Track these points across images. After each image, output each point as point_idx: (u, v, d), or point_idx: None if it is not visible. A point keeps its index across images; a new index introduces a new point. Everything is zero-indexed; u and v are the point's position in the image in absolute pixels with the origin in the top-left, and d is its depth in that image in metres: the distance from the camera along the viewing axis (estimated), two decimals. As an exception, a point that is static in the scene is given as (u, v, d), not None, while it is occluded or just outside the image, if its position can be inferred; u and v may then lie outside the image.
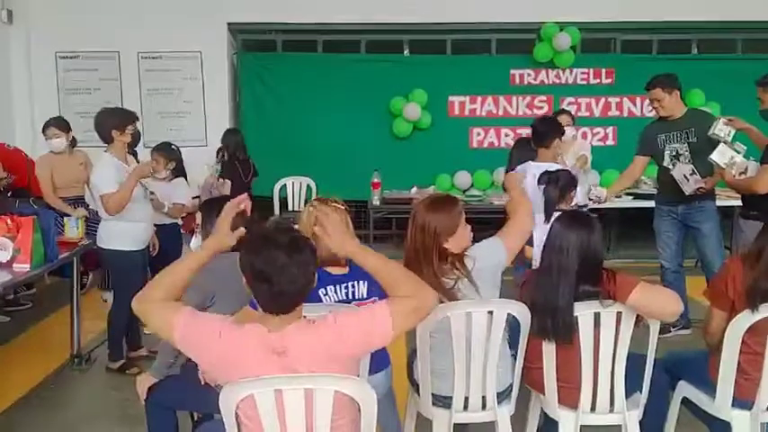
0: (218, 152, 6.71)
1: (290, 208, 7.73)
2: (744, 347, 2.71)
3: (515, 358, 2.87)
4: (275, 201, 7.55)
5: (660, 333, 4.85)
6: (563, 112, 6.08)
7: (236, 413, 1.99)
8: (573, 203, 4.34)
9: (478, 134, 8.22)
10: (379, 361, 2.89)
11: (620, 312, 2.68)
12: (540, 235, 4.31)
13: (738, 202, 4.83)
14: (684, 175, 4.59)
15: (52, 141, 5.33)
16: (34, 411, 3.90)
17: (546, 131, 4.50)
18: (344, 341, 1.95)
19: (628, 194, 7.30)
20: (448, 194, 3.10)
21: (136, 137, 4.55)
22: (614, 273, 2.77)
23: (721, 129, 4.45)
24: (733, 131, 4.45)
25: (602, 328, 2.69)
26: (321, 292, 2.67)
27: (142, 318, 2.15)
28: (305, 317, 2.04)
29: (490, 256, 2.83)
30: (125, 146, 4.40)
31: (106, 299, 5.51)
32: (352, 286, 2.77)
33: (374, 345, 2.03)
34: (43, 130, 5.38)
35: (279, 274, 1.89)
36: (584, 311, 2.67)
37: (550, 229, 2.86)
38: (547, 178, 4.28)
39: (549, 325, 2.73)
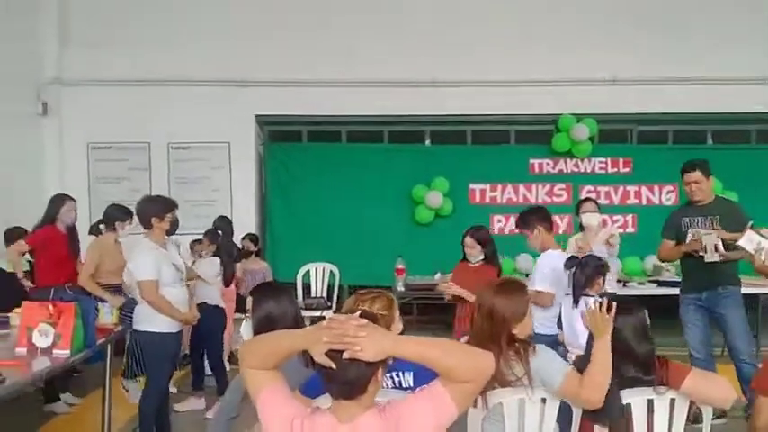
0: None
1: (312, 293, 7.75)
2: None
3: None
4: (299, 286, 7.59)
5: (694, 422, 4.83)
6: (587, 200, 6.19)
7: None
8: (602, 289, 4.38)
9: (499, 221, 8.33)
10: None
11: (674, 399, 2.67)
12: (569, 318, 4.38)
13: (765, 290, 4.85)
14: (715, 245, 4.62)
15: (125, 228, 5.47)
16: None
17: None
18: (413, 428, 1.95)
19: (651, 282, 7.32)
20: (515, 278, 3.11)
21: (174, 224, 4.66)
22: (667, 360, 2.78)
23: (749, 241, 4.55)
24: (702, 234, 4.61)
25: (657, 415, 2.68)
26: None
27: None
28: (377, 405, 2.03)
29: (547, 366, 2.75)
30: (164, 232, 4.50)
31: (128, 388, 5.48)
32: (397, 376, 2.77)
33: (442, 425, 2.02)
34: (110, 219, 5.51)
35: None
36: (637, 397, 2.67)
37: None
38: (574, 262, 4.34)
39: (599, 413, 2.72)
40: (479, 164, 8.26)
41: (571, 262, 4.61)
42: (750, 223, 4.61)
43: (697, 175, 4.84)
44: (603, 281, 4.42)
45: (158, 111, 8.05)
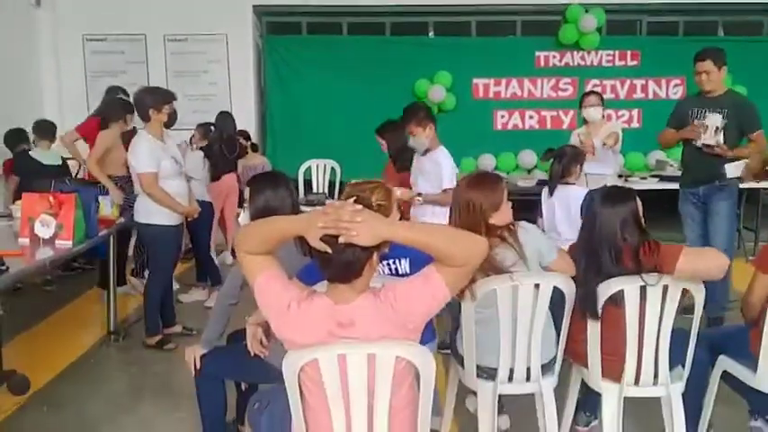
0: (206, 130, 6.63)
1: (314, 190, 7.76)
2: (787, 319, 2.73)
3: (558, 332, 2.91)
4: (300, 182, 7.60)
5: (687, 313, 4.93)
6: (591, 93, 6.07)
7: (299, 377, 2.04)
8: (580, 176, 4.51)
9: (503, 117, 8.22)
10: (426, 335, 2.93)
11: (666, 286, 2.70)
12: (548, 207, 4.49)
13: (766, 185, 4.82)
14: (717, 127, 4.56)
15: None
16: (79, 384, 3.98)
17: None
18: (408, 310, 1.98)
19: (653, 176, 7.30)
20: (487, 171, 3.12)
21: (172, 116, 4.60)
22: (658, 244, 2.79)
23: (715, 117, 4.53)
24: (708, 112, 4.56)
25: (648, 302, 2.72)
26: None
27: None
28: (371, 288, 2.06)
29: (540, 243, 2.84)
30: (161, 125, 4.45)
31: (135, 285, 5.57)
32: (394, 263, 2.81)
33: (435, 309, 2.06)
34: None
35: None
36: (629, 285, 2.70)
37: (588, 205, 2.90)
38: (552, 154, 4.44)
39: (583, 301, 2.78)
40: (483, 57, 8.05)
41: (548, 154, 4.63)
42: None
43: (708, 64, 4.66)
44: (581, 169, 4.49)
45: (153, 0, 7.80)
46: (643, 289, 2.70)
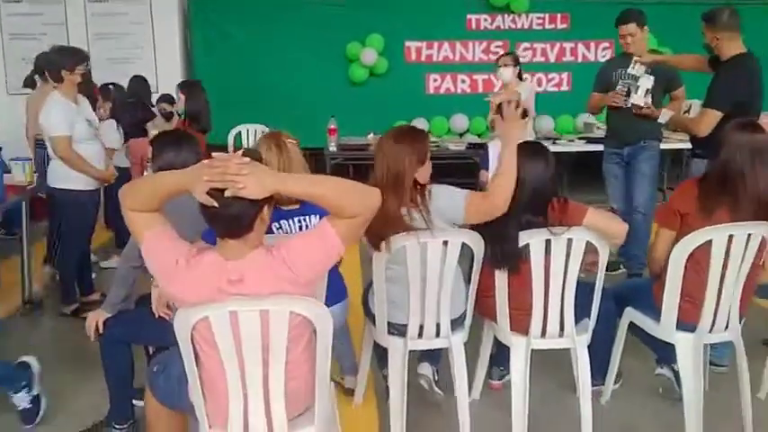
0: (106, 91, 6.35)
1: (245, 155, 7.63)
2: (687, 271, 2.80)
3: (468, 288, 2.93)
4: (230, 148, 7.44)
5: (611, 270, 5.03)
6: (506, 54, 6.09)
7: (193, 337, 2.00)
8: None
9: (435, 80, 8.21)
10: (337, 294, 2.92)
11: (571, 239, 2.74)
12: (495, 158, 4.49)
13: (688, 145, 4.93)
14: (647, 88, 4.62)
15: None
16: (-12, 356, 3.85)
17: None
18: (300, 264, 1.96)
19: (581, 138, 7.41)
20: (411, 125, 3.08)
21: (87, 77, 4.43)
22: (566, 200, 2.83)
23: (639, 68, 4.54)
24: (642, 69, 4.54)
25: (554, 256, 2.75)
26: (274, 226, 2.69)
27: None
28: (264, 245, 2.02)
29: (447, 203, 2.80)
30: (75, 86, 4.28)
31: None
32: (304, 220, 2.78)
33: (329, 263, 2.04)
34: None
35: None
36: (535, 239, 2.73)
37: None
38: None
39: (499, 253, 2.80)
40: (415, 20, 7.99)
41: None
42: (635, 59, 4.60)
43: (632, 27, 4.70)
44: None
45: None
46: (548, 243, 2.74)
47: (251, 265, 1.95)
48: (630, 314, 3.13)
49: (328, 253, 1.99)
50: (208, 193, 1.86)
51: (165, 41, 7.82)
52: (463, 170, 6.47)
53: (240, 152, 1.93)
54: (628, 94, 4.67)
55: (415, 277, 2.74)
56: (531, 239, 2.73)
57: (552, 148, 7.14)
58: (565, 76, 8.20)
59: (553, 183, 2.85)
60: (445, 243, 2.72)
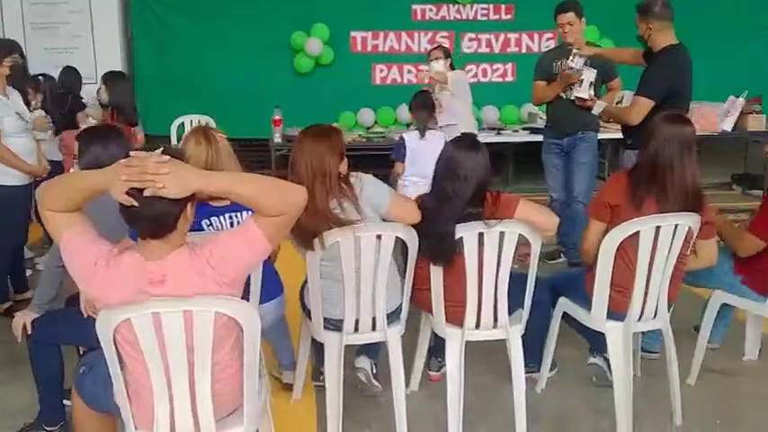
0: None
1: (189, 147, 7.50)
2: (616, 262, 2.86)
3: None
4: (173, 139, 7.32)
5: (550, 260, 5.10)
6: (437, 47, 6.13)
7: (116, 340, 1.96)
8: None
9: (381, 71, 8.19)
10: (272, 290, 2.91)
11: (503, 232, 2.77)
12: (421, 152, 4.54)
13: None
14: (591, 82, 4.68)
15: None
16: None
17: None
18: (224, 263, 1.93)
19: (525, 129, 7.50)
20: (327, 124, 3.07)
21: (17, 69, 4.29)
22: (499, 193, 2.87)
23: (578, 61, 4.63)
24: (581, 61, 4.63)
25: (486, 248, 2.78)
26: (204, 223, 2.66)
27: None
28: (188, 244, 1.99)
29: (374, 190, 2.81)
30: (3, 78, 4.15)
31: None
32: (236, 216, 2.75)
33: (254, 261, 2.02)
34: None
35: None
36: (468, 232, 2.75)
37: (442, 154, 2.92)
38: (417, 102, 4.72)
39: (437, 249, 2.81)
40: (360, 10, 7.95)
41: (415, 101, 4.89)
42: (575, 52, 4.67)
43: (570, 16, 4.79)
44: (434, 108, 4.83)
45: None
46: (481, 236, 2.76)
47: (173, 265, 1.92)
48: (564, 304, 3.19)
49: (253, 252, 1.97)
50: (127, 192, 1.82)
51: (104, 31, 7.63)
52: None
53: (160, 150, 1.89)
54: (570, 87, 4.75)
55: (349, 272, 2.74)
56: (465, 233, 2.75)
57: (497, 139, 7.32)
58: (509, 66, 8.27)
59: (488, 174, 2.88)
60: (379, 237, 2.73)
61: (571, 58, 4.64)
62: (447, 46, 7.95)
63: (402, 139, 4.67)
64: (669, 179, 2.81)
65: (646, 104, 4.00)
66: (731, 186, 7.89)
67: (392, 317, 2.91)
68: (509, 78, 8.27)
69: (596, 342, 3.20)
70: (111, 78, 5.09)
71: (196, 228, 2.54)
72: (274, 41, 7.75)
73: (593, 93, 4.67)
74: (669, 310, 3.04)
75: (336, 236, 2.68)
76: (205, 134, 2.78)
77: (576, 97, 4.69)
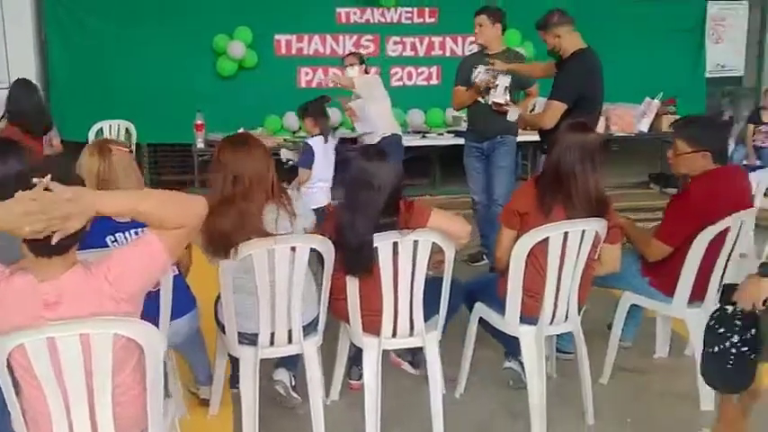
0: None
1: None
2: (527, 267, 2.92)
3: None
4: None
5: (474, 262, 5.17)
6: (351, 53, 6.18)
7: (11, 365, 1.88)
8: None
9: (307, 74, 8.13)
10: (183, 305, 2.86)
11: (417, 241, 2.79)
12: (319, 155, 4.60)
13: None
14: (506, 87, 4.79)
15: None
16: None
17: None
18: (122, 279, 1.88)
19: (450, 132, 7.59)
20: (243, 133, 3.07)
21: None
22: (412, 202, 2.89)
23: (482, 77, 4.76)
24: (499, 74, 4.75)
25: (401, 257, 2.80)
26: (109, 239, 2.59)
27: None
28: (82, 261, 1.93)
29: (305, 211, 2.90)
30: None
31: None
32: (141, 231, 2.68)
33: (155, 275, 1.99)
34: None
35: None
36: (383, 242, 2.76)
37: (350, 165, 2.92)
38: (314, 110, 4.75)
39: (356, 260, 2.81)
40: (284, 13, 7.84)
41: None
42: (480, 67, 4.81)
43: (482, 18, 4.94)
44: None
45: None
46: (395, 245, 2.77)
47: (68, 285, 1.85)
48: (480, 309, 3.24)
49: (154, 265, 1.93)
50: None
51: (16, 32, 7.29)
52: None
53: (48, 177, 1.80)
54: (487, 92, 4.84)
55: (263, 285, 2.71)
56: (380, 242, 2.76)
57: (422, 142, 7.36)
58: (434, 69, 8.33)
59: (400, 181, 2.90)
60: (293, 249, 2.71)
61: (486, 69, 4.75)
62: (372, 49, 8.08)
63: (308, 145, 4.65)
64: (573, 186, 2.89)
65: (558, 108, 4.12)
66: (649, 185, 8.16)
67: (309, 328, 2.90)
68: (434, 81, 8.34)
69: (511, 346, 3.27)
70: (14, 86, 4.90)
71: (100, 244, 2.48)
72: (196, 44, 7.59)
73: (509, 98, 4.77)
74: (580, 313, 3.12)
75: (249, 248, 2.65)
76: (100, 147, 2.74)
77: (493, 102, 4.78)
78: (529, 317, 3.01)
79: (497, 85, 4.79)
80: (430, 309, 2.96)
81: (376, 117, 5.38)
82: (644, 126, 7.71)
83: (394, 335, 2.92)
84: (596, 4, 8.12)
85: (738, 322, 2.37)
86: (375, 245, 2.75)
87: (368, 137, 5.47)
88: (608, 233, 2.97)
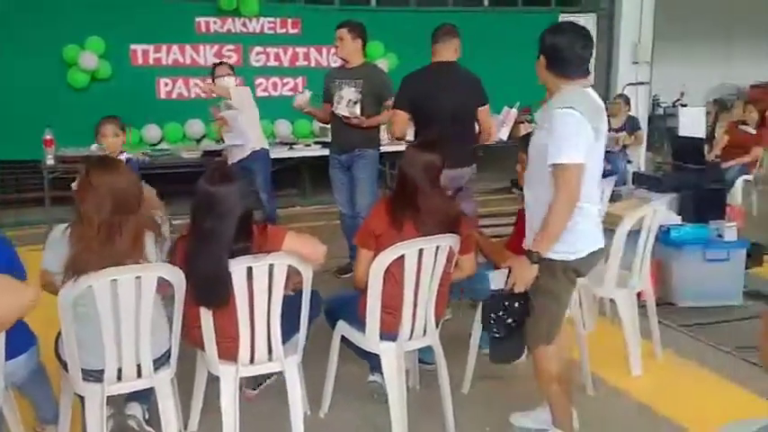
0: None
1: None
2: (385, 285, 2.94)
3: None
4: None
5: (342, 274, 5.16)
6: (220, 63, 6.10)
7: None
8: None
9: (166, 84, 7.85)
10: (21, 343, 2.67)
11: (273, 265, 2.73)
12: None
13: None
14: (350, 99, 4.84)
15: None
16: None
17: None
18: None
19: (317, 143, 7.56)
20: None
21: None
22: (265, 226, 2.83)
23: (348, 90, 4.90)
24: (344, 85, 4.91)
25: (256, 282, 2.73)
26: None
27: None
28: None
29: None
30: None
31: None
32: None
33: None
34: None
35: None
36: (236, 267, 2.68)
37: (197, 193, 2.81)
38: None
39: (209, 292, 2.71)
40: (140, 22, 7.53)
41: None
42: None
43: (343, 32, 5.01)
44: None
45: None
46: (250, 270, 2.71)
47: None
48: (341, 327, 3.22)
49: None
50: None
51: None
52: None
53: None
54: (337, 105, 4.91)
55: (107, 317, 2.56)
56: (234, 268, 2.68)
57: (290, 153, 7.30)
58: (299, 80, 8.28)
59: (250, 202, 2.84)
60: (138, 278, 2.58)
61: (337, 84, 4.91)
62: (235, 59, 7.91)
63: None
64: (422, 203, 2.97)
65: (398, 115, 4.37)
66: (511, 190, 8.49)
67: (160, 361, 2.77)
68: (300, 92, 8.27)
69: (374, 361, 3.27)
70: None
71: None
72: (44, 55, 7.14)
73: (356, 111, 4.85)
74: (438, 327, 3.18)
75: (88, 280, 2.49)
76: None
77: (341, 115, 4.85)
78: (389, 333, 3.03)
79: (341, 98, 4.86)
80: (289, 326, 2.90)
81: (248, 129, 5.31)
82: (503, 134, 7.94)
83: (252, 361, 2.85)
84: (454, 16, 8.38)
85: (506, 301, 2.73)
86: (229, 271, 2.67)
87: (237, 149, 5.37)
88: (462, 244, 3.04)
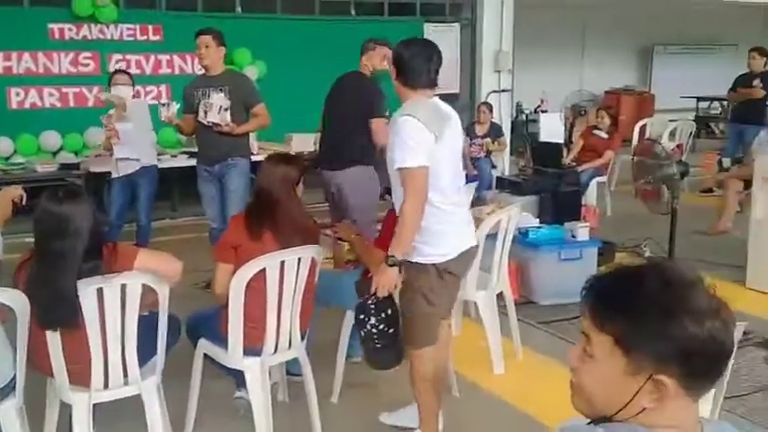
0: None
1: None
2: (248, 299, 2.89)
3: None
4: None
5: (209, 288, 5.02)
6: (119, 71, 5.84)
7: None
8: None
9: (18, 94, 7.37)
10: None
11: (125, 285, 2.63)
12: None
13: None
14: (221, 106, 4.74)
15: None
16: None
17: None
18: None
19: (184, 153, 7.35)
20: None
21: None
22: (116, 245, 2.73)
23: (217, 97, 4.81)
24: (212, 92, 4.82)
25: (108, 303, 2.62)
26: None
27: None
28: None
29: None
30: None
31: None
32: None
33: None
34: None
35: None
36: (86, 289, 2.56)
37: (41, 212, 2.66)
38: None
39: (54, 315, 2.57)
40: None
41: None
42: None
43: (207, 39, 4.88)
44: None
45: None
46: (100, 291, 2.59)
47: None
48: (204, 345, 3.14)
49: None
50: None
51: None
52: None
53: None
54: (206, 114, 4.78)
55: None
56: (82, 291, 2.55)
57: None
58: (163, 88, 8.00)
59: (98, 220, 2.72)
60: None
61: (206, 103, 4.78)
62: (93, 67, 7.57)
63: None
64: (279, 215, 2.98)
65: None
66: (384, 197, 8.53)
67: (4, 391, 2.59)
68: (164, 100, 7.98)
69: (239, 377, 3.22)
70: None
71: None
72: None
73: (227, 117, 4.76)
74: (304, 338, 3.17)
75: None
76: None
77: (212, 123, 4.75)
78: (252, 347, 2.98)
79: (212, 104, 4.76)
80: (147, 347, 2.80)
81: (143, 144, 5.13)
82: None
83: (106, 386, 2.72)
84: (321, 24, 8.44)
85: (373, 306, 2.74)
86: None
87: (125, 163, 5.14)
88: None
